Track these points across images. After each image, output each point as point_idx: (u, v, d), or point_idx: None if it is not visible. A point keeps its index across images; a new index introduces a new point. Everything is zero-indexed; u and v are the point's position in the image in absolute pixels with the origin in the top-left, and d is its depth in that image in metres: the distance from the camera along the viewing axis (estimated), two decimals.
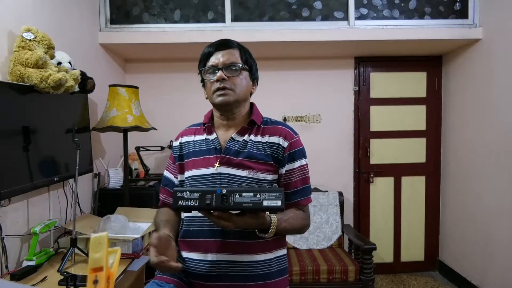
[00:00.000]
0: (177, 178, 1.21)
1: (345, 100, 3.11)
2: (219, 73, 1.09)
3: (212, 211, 0.94)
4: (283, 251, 1.18)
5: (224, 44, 1.13)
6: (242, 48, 1.16)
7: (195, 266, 1.09)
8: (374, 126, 3.12)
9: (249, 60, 1.16)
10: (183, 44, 2.55)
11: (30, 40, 1.55)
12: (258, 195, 0.90)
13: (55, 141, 1.79)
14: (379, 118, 3.12)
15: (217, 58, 1.11)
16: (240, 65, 1.11)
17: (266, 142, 1.13)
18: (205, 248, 1.08)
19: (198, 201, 0.91)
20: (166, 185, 1.23)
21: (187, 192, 0.92)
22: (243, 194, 0.90)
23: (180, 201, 0.93)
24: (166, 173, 1.25)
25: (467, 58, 2.78)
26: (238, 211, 0.94)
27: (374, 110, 3.12)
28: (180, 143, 1.22)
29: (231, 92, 1.09)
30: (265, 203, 0.89)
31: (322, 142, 3.08)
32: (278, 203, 0.89)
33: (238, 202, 0.89)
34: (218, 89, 1.09)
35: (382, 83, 3.12)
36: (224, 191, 0.90)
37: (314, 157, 2.96)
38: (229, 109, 1.14)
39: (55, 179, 1.75)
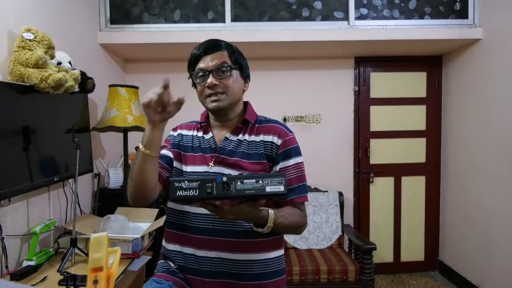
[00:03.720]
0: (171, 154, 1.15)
1: (345, 100, 3.11)
2: (210, 80, 1.07)
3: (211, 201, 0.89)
4: (281, 252, 1.17)
5: (212, 47, 1.11)
6: (230, 48, 1.14)
7: (190, 261, 1.09)
8: (374, 126, 3.12)
9: (238, 59, 1.14)
10: (183, 44, 2.54)
11: (30, 40, 1.55)
12: (261, 181, 0.86)
13: (55, 141, 1.79)
14: (379, 118, 3.12)
15: (205, 62, 1.09)
16: (230, 66, 1.10)
17: (260, 141, 1.12)
18: (201, 245, 1.07)
19: (198, 190, 0.85)
20: (159, 159, 1.08)
21: (186, 181, 0.85)
22: (245, 181, 0.85)
23: (178, 192, 0.85)
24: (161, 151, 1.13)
25: (467, 58, 2.78)
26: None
27: (374, 110, 3.12)
28: (180, 134, 1.21)
29: (223, 96, 1.08)
30: (268, 189, 0.85)
31: (322, 142, 3.08)
32: (281, 188, 0.86)
33: (240, 189, 0.85)
34: (210, 94, 1.08)
35: (382, 83, 3.12)
36: (224, 178, 0.85)
37: (314, 157, 2.97)
38: (223, 113, 1.13)
39: (55, 179, 1.75)
